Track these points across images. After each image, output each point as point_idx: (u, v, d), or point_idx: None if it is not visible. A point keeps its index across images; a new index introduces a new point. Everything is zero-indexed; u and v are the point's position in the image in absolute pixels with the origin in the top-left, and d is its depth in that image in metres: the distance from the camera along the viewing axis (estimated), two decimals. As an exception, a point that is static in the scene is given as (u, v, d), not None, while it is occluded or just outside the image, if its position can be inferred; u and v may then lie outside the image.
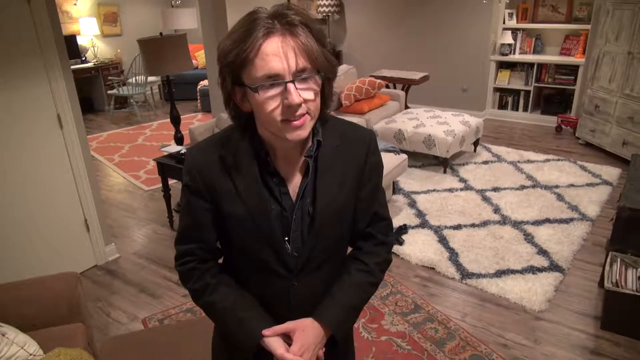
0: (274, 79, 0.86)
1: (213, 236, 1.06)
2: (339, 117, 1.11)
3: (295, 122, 0.89)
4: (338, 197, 1.02)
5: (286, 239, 1.01)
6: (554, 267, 2.94)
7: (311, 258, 1.03)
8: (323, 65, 0.90)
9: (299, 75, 0.87)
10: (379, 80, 5.12)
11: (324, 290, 1.08)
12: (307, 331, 1.02)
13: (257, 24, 0.85)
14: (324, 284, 1.08)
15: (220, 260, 1.13)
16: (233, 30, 0.88)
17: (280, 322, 1.04)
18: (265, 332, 1.01)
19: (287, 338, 1.03)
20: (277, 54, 0.85)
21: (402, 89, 5.82)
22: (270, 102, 0.88)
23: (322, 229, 1.02)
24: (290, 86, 0.86)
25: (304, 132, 0.92)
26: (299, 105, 0.88)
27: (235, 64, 0.87)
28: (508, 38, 5.81)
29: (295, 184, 1.01)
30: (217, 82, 0.95)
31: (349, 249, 1.16)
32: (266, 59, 0.85)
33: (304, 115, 0.89)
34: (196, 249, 1.06)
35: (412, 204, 3.85)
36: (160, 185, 3.63)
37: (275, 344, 1.01)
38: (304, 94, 0.88)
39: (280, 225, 1.01)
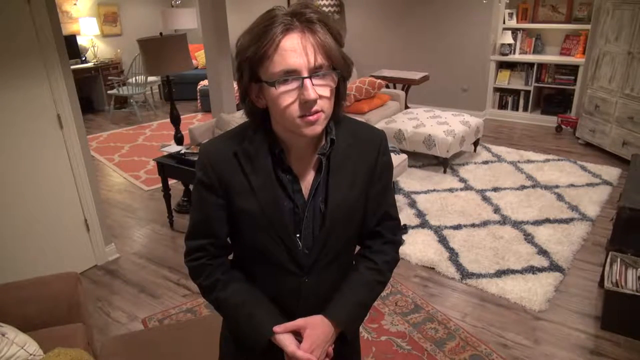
0: (292, 75, 0.87)
1: (224, 232, 1.06)
2: (351, 116, 1.12)
3: (310, 117, 0.90)
4: (349, 196, 1.03)
5: (297, 235, 1.02)
6: (554, 267, 2.94)
7: (322, 255, 1.04)
8: (340, 63, 0.91)
9: (316, 72, 0.88)
10: (379, 80, 5.12)
11: (334, 287, 1.09)
12: (318, 328, 1.03)
13: (275, 20, 0.87)
14: (333, 281, 1.09)
15: (231, 257, 1.14)
16: (251, 27, 0.90)
17: (290, 318, 1.05)
18: (276, 328, 1.02)
19: (297, 335, 1.04)
20: (295, 49, 0.86)
21: (402, 89, 5.82)
22: (286, 97, 0.89)
23: (333, 227, 1.03)
24: (307, 82, 0.87)
25: (319, 128, 0.93)
26: (315, 101, 0.89)
27: (253, 59, 0.89)
28: (508, 38, 5.81)
29: (308, 181, 1.02)
30: (235, 77, 0.96)
31: (357, 248, 1.17)
32: (284, 54, 0.86)
33: (318, 112, 0.91)
34: (207, 245, 1.06)
35: (412, 204, 3.85)
36: (160, 185, 3.63)
37: (286, 340, 1.02)
38: (319, 90, 0.89)
39: (293, 222, 1.02)
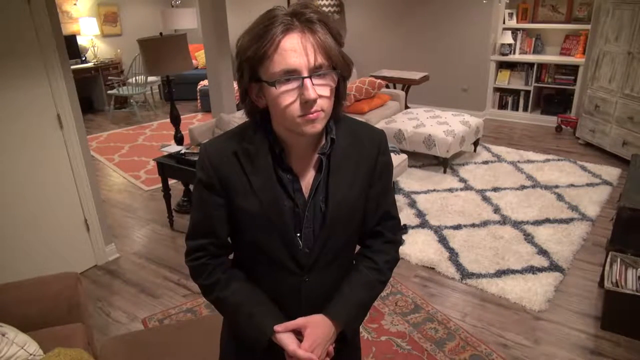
0: (292, 74, 0.88)
1: (225, 232, 1.07)
2: (350, 116, 1.12)
3: (310, 115, 0.90)
4: (350, 195, 1.03)
5: (298, 235, 1.02)
6: (554, 267, 2.94)
7: (322, 254, 1.04)
8: (339, 63, 0.92)
9: (316, 72, 0.88)
10: (379, 80, 5.12)
11: (334, 286, 1.09)
12: (318, 328, 1.03)
13: (276, 20, 0.87)
14: (334, 280, 1.09)
15: (231, 256, 1.14)
16: (252, 27, 0.90)
17: (290, 318, 1.05)
18: (277, 327, 1.03)
19: (298, 334, 1.04)
20: (295, 49, 0.87)
21: (402, 89, 5.82)
22: (287, 96, 0.89)
23: (334, 226, 1.03)
24: (307, 82, 0.88)
25: (319, 126, 0.93)
26: (315, 100, 0.89)
27: (254, 59, 0.89)
28: (508, 38, 5.81)
29: (308, 180, 1.02)
30: (236, 77, 0.97)
31: (357, 247, 1.17)
32: (284, 54, 0.87)
33: (318, 111, 0.91)
34: (208, 245, 1.07)
35: (412, 204, 3.85)
36: (160, 185, 3.63)
37: (287, 339, 1.02)
38: (319, 90, 0.90)
39: (293, 221, 1.02)
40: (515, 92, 6.01)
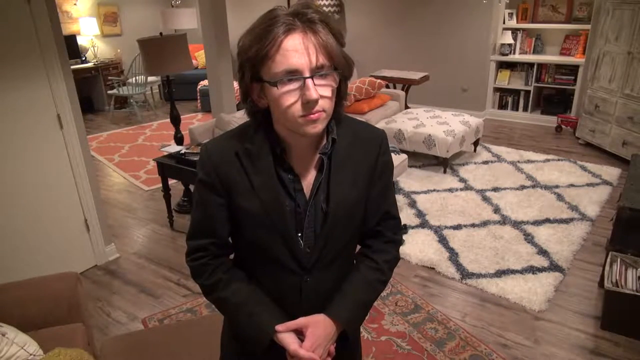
0: (293, 75, 0.88)
1: (226, 232, 1.07)
2: (351, 116, 1.12)
3: (311, 116, 0.91)
4: (351, 195, 1.04)
5: (299, 234, 1.03)
6: (554, 267, 2.94)
7: (323, 254, 1.04)
8: (341, 63, 0.92)
9: (318, 72, 0.88)
10: (379, 80, 5.12)
11: (335, 286, 1.09)
12: (319, 327, 1.03)
13: (277, 21, 0.87)
14: (334, 280, 1.09)
15: (232, 256, 1.14)
16: (253, 27, 0.90)
17: (291, 317, 1.05)
18: (279, 327, 1.03)
19: (299, 333, 1.04)
20: (297, 49, 0.87)
21: (402, 89, 5.82)
22: (288, 97, 0.89)
23: (335, 226, 1.03)
24: (309, 82, 0.88)
25: (320, 126, 0.93)
26: (316, 101, 0.89)
27: (255, 59, 0.89)
28: (508, 38, 5.81)
29: (309, 180, 1.02)
30: (236, 77, 0.97)
31: (358, 247, 1.18)
32: (286, 54, 0.87)
33: (319, 111, 0.91)
34: (209, 245, 1.07)
35: (412, 204, 3.85)
36: (160, 185, 3.63)
37: (288, 339, 1.02)
38: (321, 90, 0.90)
39: (294, 221, 1.02)
40: (515, 92, 6.01)
